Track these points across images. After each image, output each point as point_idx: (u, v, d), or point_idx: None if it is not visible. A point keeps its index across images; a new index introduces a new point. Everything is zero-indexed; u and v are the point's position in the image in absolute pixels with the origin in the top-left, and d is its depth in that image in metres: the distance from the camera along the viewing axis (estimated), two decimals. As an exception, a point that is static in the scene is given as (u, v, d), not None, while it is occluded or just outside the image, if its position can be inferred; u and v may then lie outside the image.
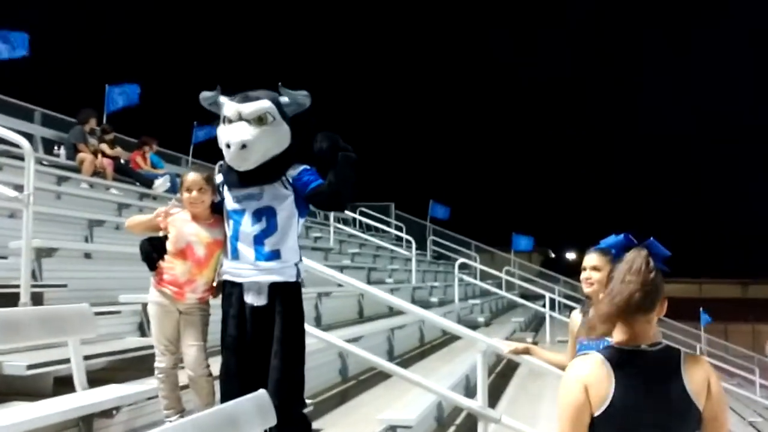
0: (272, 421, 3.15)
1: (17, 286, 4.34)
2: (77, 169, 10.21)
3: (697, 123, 50.52)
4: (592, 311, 3.48)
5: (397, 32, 49.20)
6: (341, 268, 11.27)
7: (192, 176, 3.59)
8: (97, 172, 10.50)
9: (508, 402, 7.52)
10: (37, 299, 4.66)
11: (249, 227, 3.47)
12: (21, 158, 8.79)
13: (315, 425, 4.78)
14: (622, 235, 2.09)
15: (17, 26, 10.88)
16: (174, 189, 9.98)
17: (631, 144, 53.16)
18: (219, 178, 3.70)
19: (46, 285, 4.93)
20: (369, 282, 12.18)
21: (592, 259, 3.47)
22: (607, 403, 1.88)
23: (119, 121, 13.28)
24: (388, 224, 19.96)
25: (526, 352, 4.05)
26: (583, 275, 3.50)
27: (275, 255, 3.46)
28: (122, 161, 11.36)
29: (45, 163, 10.33)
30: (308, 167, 3.56)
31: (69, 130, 10.89)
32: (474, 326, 12.67)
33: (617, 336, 1.99)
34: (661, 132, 51.68)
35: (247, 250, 3.47)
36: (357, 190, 3.54)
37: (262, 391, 3.21)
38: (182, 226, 3.57)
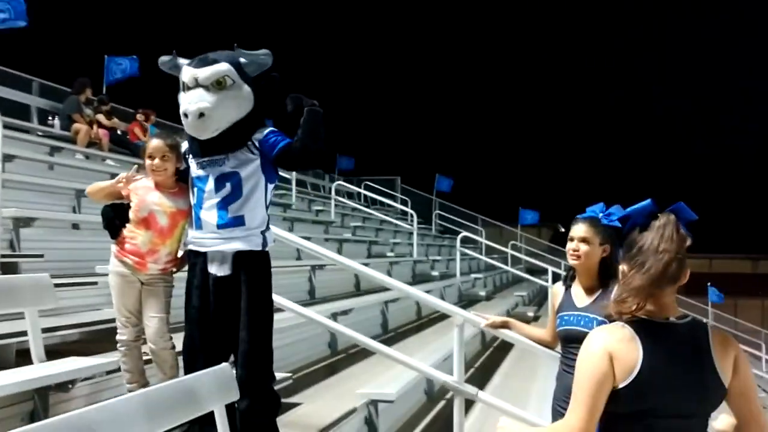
0: (234, 395, 3.03)
1: (-11, 256, 4.24)
2: (72, 140, 10.10)
3: (706, 96, 49.77)
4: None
5: (402, 4, 48.61)
6: (341, 242, 11.18)
7: (155, 142, 3.44)
8: (93, 143, 10.39)
9: (502, 377, 7.43)
10: (12, 269, 4.57)
11: (213, 194, 3.32)
12: (7, 127, 8.74)
13: (295, 398, 4.70)
14: (648, 201, 1.93)
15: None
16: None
17: (640, 117, 52.51)
18: (185, 145, 3.54)
19: (20, 255, 4.83)
20: (369, 255, 12.09)
21: (580, 229, 3.28)
22: (632, 376, 1.77)
23: (119, 91, 13.18)
24: (393, 198, 19.79)
25: (505, 325, 3.89)
26: (570, 246, 3.32)
27: (238, 221, 3.30)
28: (119, 132, 11.25)
29: (39, 133, 10.24)
30: (275, 129, 3.39)
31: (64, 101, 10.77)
32: (475, 300, 12.60)
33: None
34: (670, 105, 50.99)
35: (210, 216, 3.32)
36: (328, 145, 3.36)
37: (224, 365, 3.08)
38: (145, 194, 3.43)
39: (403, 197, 20.20)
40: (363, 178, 20.10)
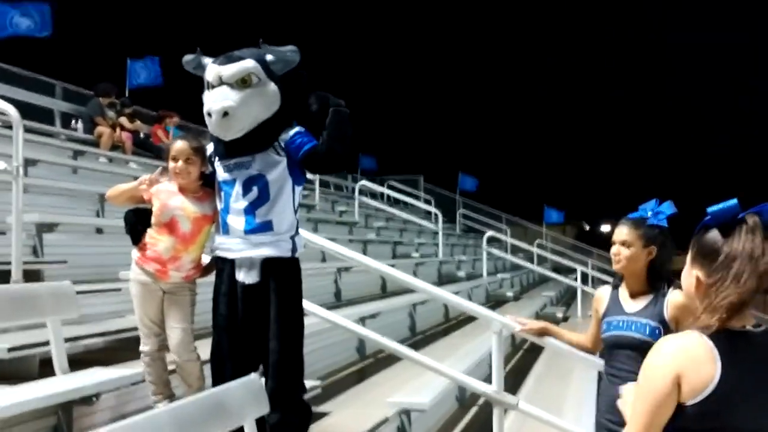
0: (265, 408, 2.90)
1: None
2: (96, 143, 10.08)
3: (733, 93, 48.92)
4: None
5: (425, 3, 48.39)
6: (365, 242, 11.04)
7: (179, 144, 3.30)
8: (116, 146, 10.36)
9: (535, 381, 7.22)
10: (35, 276, 4.47)
11: (239, 198, 3.18)
12: (31, 131, 8.72)
13: (324, 407, 4.55)
14: (734, 201, 1.71)
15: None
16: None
17: (667, 112, 51.76)
18: (211, 147, 3.41)
19: (44, 261, 4.74)
20: (394, 256, 11.93)
21: (621, 232, 3.08)
22: (709, 390, 1.60)
23: (142, 94, 13.17)
24: (416, 197, 19.59)
25: (543, 331, 3.70)
26: (612, 250, 3.13)
27: (266, 226, 3.17)
28: (142, 135, 11.22)
29: (62, 137, 10.23)
30: (302, 129, 3.24)
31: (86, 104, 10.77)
32: (502, 301, 12.38)
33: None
34: (697, 100, 50.16)
35: (237, 222, 3.19)
36: (353, 146, 3.21)
37: (253, 376, 2.96)
38: (167, 198, 3.29)
39: (426, 196, 19.99)
40: (385, 177, 19.94)
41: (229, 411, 2.66)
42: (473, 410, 5.87)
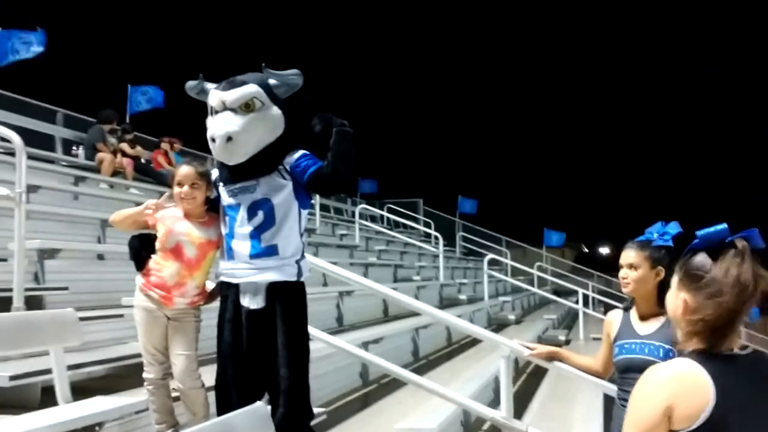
0: (271, 436, 2.85)
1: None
2: (96, 169, 10.08)
3: (739, 111, 49.22)
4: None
5: (424, 26, 48.85)
6: (366, 266, 11.00)
7: (185, 170, 3.29)
8: (117, 172, 10.36)
9: (540, 404, 7.14)
10: (36, 303, 4.44)
11: (245, 222, 3.17)
12: (32, 157, 8.72)
13: (329, 435, 4.49)
14: (724, 226, 1.70)
15: (40, 26, 10.77)
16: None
17: (666, 135, 52.02)
18: (215, 172, 3.40)
19: (45, 288, 4.70)
20: (396, 280, 11.88)
21: (628, 255, 3.06)
22: (704, 416, 1.57)
23: (142, 120, 13.22)
24: (416, 221, 19.59)
25: (552, 356, 3.66)
26: (620, 274, 3.11)
27: (272, 251, 3.14)
28: (143, 161, 11.23)
29: (63, 163, 10.24)
30: (306, 152, 3.24)
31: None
32: (504, 324, 12.30)
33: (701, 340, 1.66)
34: (694, 123, 50.43)
35: (242, 246, 3.17)
36: (358, 166, 3.20)
37: (259, 403, 2.92)
38: (173, 224, 3.27)
39: (426, 219, 20.00)
40: (385, 201, 19.97)
41: (236, 439, 2.61)
42: (478, 435, 5.80)
